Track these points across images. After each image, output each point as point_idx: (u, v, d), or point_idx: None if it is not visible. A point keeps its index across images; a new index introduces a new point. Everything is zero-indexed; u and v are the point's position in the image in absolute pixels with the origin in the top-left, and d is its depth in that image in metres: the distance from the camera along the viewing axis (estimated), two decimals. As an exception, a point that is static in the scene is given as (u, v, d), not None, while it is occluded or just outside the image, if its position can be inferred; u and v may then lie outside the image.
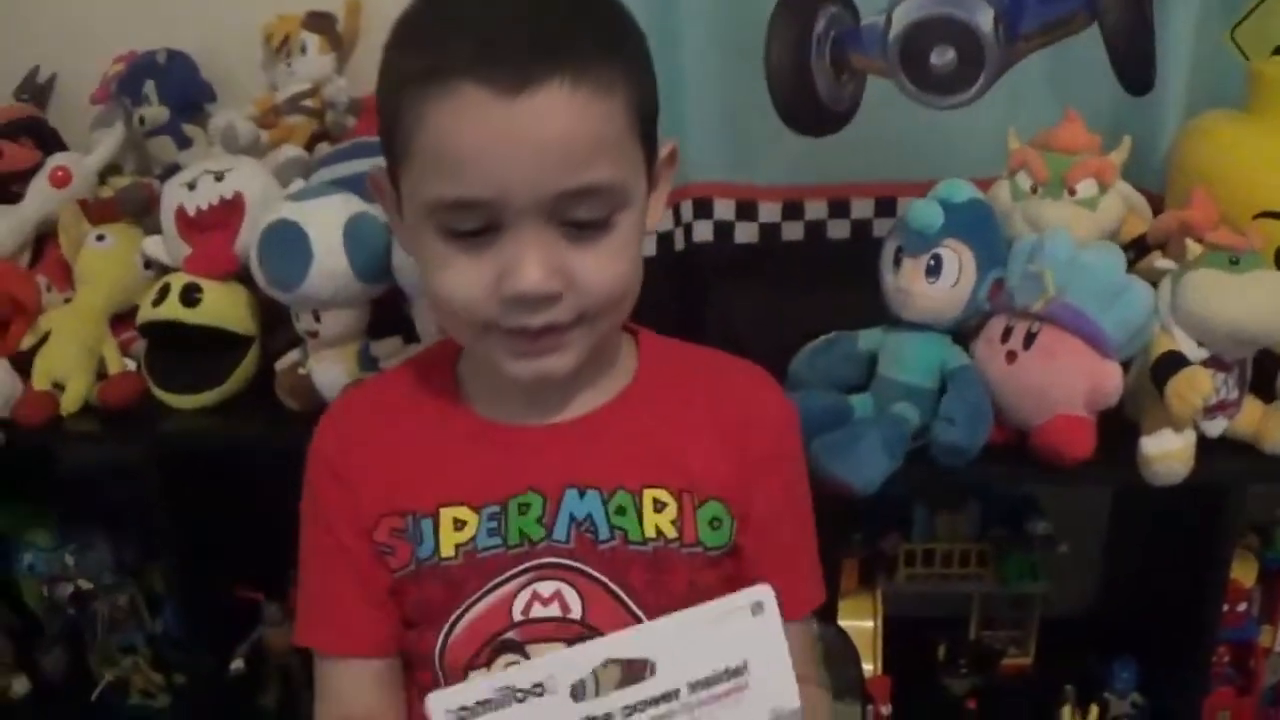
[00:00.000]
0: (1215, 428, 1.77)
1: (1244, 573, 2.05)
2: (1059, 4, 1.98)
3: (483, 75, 1.06)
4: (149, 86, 2.21)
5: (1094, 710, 2.07)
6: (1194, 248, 1.75)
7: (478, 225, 1.12)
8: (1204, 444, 1.73)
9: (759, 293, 2.04)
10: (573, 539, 1.24)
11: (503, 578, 1.24)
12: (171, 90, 2.22)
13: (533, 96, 1.06)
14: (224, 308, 1.91)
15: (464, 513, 1.25)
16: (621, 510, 1.25)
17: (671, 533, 1.26)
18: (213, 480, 2.03)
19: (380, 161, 1.23)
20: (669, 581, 1.25)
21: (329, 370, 1.83)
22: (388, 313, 1.86)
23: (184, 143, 2.22)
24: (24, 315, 2.01)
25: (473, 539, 1.24)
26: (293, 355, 1.91)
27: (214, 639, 2.12)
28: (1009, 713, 2.04)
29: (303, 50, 2.17)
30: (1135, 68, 2.00)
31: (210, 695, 2.13)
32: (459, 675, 1.25)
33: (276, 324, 1.94)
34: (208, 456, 2.01)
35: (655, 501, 1.26)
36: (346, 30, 2.20)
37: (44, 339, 1.98)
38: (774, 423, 1.36)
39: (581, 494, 1.25)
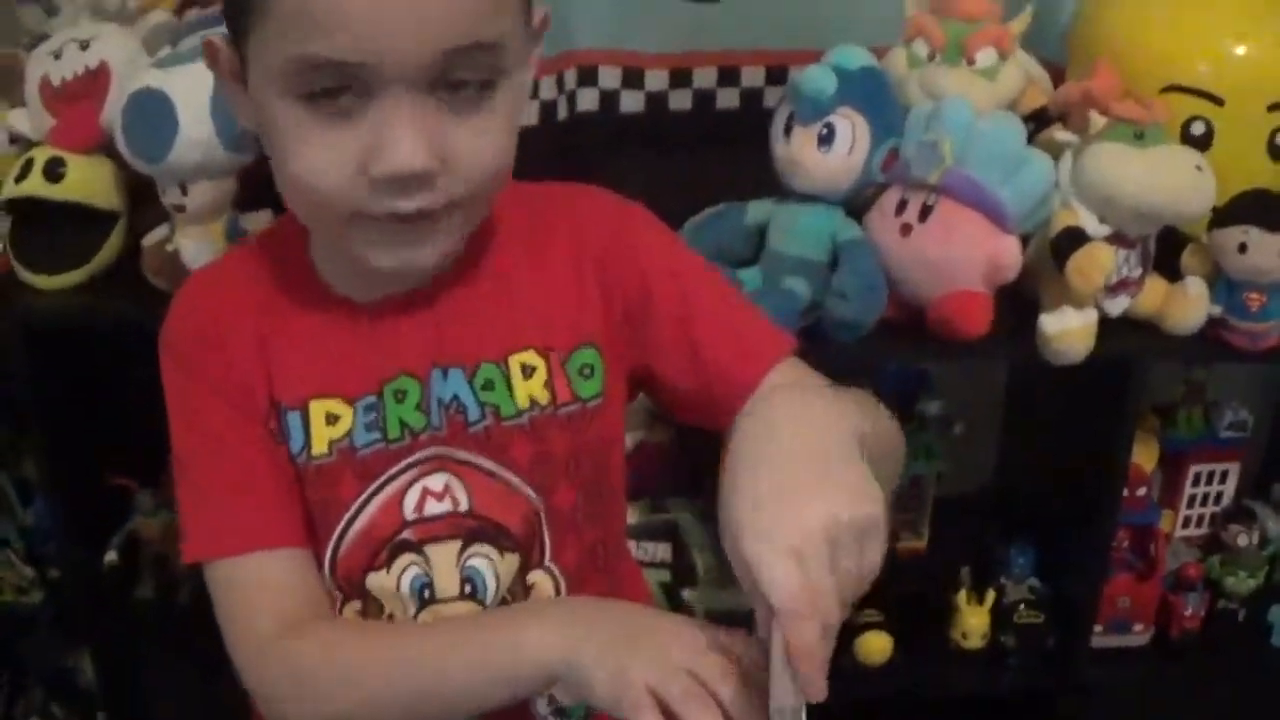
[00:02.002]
0: (1116, 306, 1.73)
1: (1145, 456, 2.03)
2: None
3: None
4: (14, -47, 2.10)
5: (990, 594, 2.03)
6: (1097, 120, 1.71)
7: (345, 93, 0.98)
8: (1105, 322, 1.70)
9: (645, 163, 1.96)
10: (445, 424, 1.17)
11: (385, 478, 1.16)
12: (38, -46, 2.11)
13: None
14: (89, 183, 1.82)
15: (336, 405, 1.16)
16: (489, 385, 1.17)
17: (544, 397, 1.18)
18: (81, 363, 1.94)
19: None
20: (551, 448, 1.19)
21: (197, 246, 1.75)
22: (256, 184, 1.77)
23: (52, 10, 2.10)
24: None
25: (348, 434, 1.15)
26: (159, 231, 1.81)
27: (87, 529, 2.03)
28: (902, 598, 2.00)
29: (171, -73, 2.06)
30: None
31: (85, 589, 2.05)
32: (355, 585, 1.18)
33: (144, 199, 1.84)
34: (75, 338, 1.92)
35: (524, 367, 1.18)
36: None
37: (-98, 215, 1.89)
38: (619, 227, 1.25)
39: (445, 374, 1.17)
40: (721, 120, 2.02)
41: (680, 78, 2.00)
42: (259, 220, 1.76)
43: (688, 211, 1.79)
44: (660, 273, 1.23)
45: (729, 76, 2.01)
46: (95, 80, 1.82)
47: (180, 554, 1.17)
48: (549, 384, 1.18)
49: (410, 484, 1.16)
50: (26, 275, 1.84)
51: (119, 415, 1.98)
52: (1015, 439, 2.27)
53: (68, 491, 1.97)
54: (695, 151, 1.99)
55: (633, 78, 1.99)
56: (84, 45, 1.84)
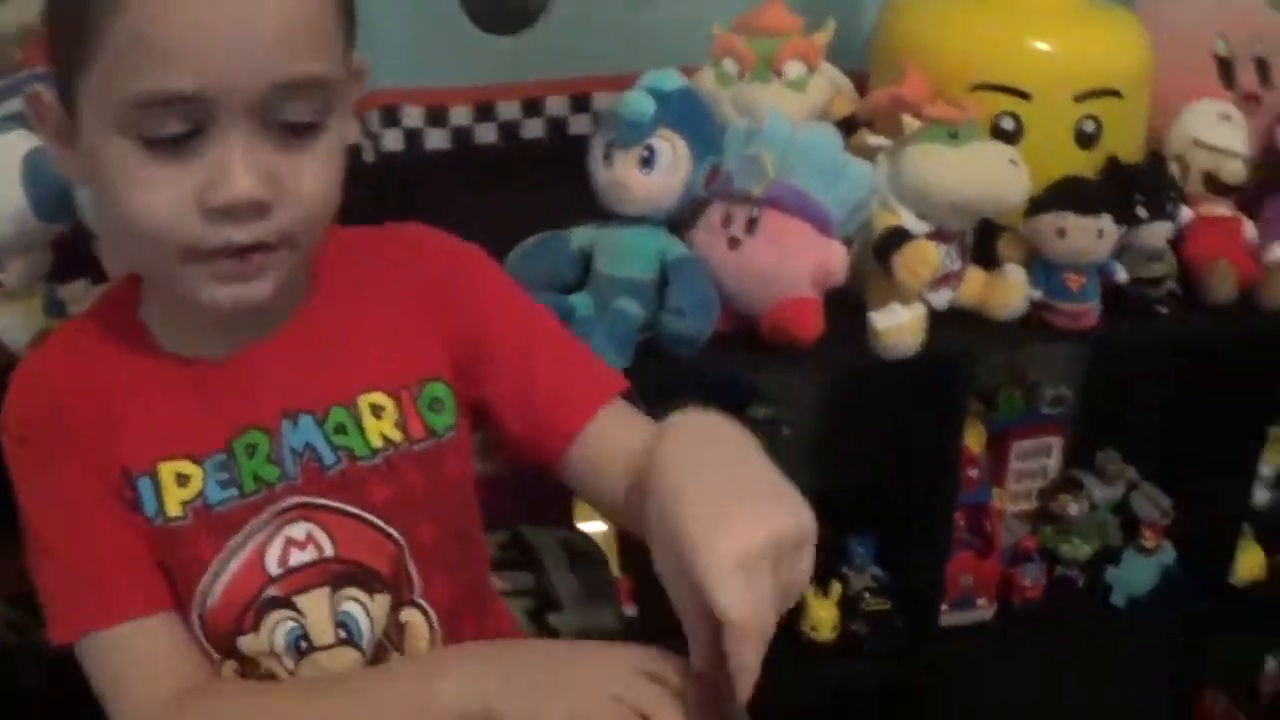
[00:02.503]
0: (941, 299, 1.78)
1: (972, 438, 2.09)
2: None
3: None
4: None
5: (836, 587, 2.07)
6: (910, 123, 1.75)
7: (181, 129, 0.98)
8: (930, 315, 1.75)
9: (455, 199, 1.95)
10: (300, 473, 1.15)
11: (245, 533, 1.14)
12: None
13: None
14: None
15: (185, 466, 1.13)
16: (341, 429, 1.16)
17: (397, 436, 1.18)
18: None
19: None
20: (408, 486, 1.18)
21: (16, 323, 1.70)
22: (71, 254, 1.74)
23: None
24: None
25: (201, 494, 1.13)
26: (-27, 312, 1.76)
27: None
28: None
29: None
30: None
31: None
32: (229, 647, 1.16)
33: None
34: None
35: (373, 407, 1.18)
36: (7, -45, 2.05)
37: None
38: (456, 266, 1.26)
39: (295, 422, 1.16)
40: (529, 150, 2.03)
41: (484, 111, 2.01)
42: (76, 291, 1.70)
43: (502, 243, 1.76)
44: (498, 313, 1.25)
45: (533, 107, 2.03)
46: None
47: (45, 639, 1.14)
48: (400, 422, 1.18)
49: (271, 537, 1.14)
50: None
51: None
52: (843, 436, 2.30)
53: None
54: (505, 183, 1.99)
55: (436, 115, 1.99)
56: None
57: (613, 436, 1.21)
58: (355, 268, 1.20)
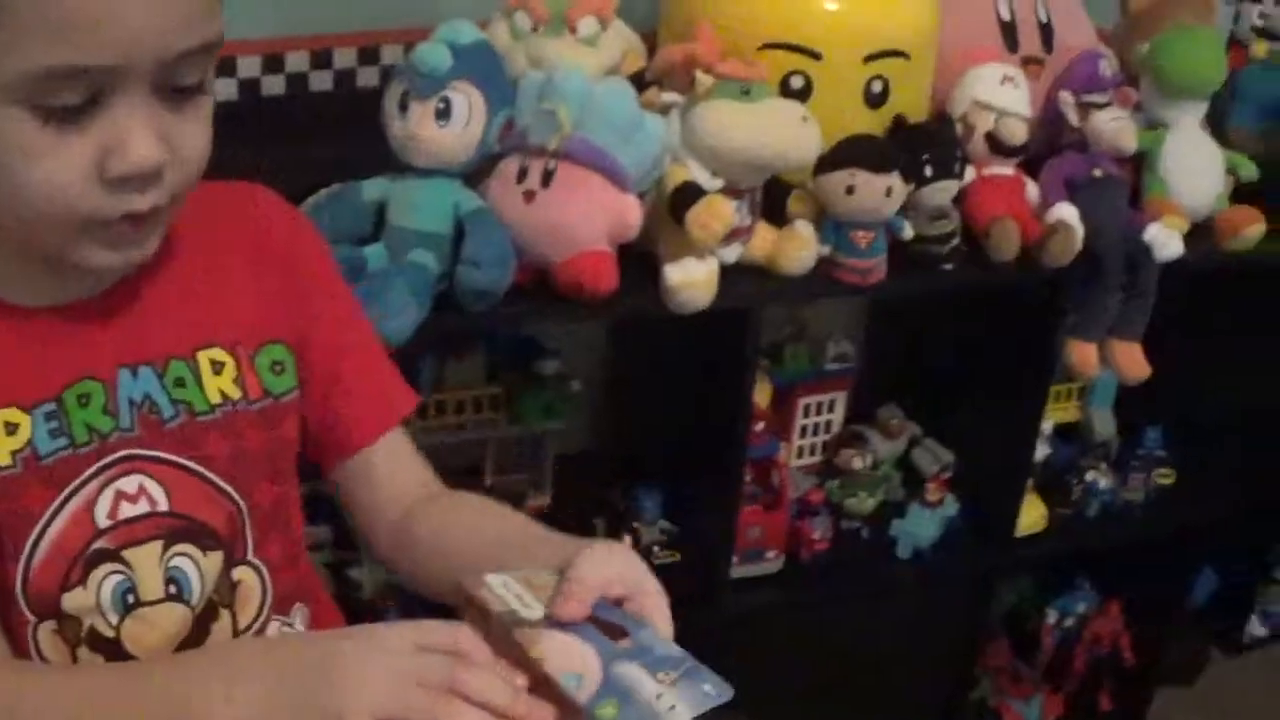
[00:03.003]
0: (731, 254, 1.80)
1: (759, 394, 2.12)
2: None
3: None
4: None
5: (626, 540, 2.08)
6: (703, 80, 1.75)
7: (80, 99, 0.96)
8: (720, 270, 1.76)
9: (241, 151, 1.92)
10: (137, 424, 1.14)
11: (75, 484, 1.12)
12: None
13: None
14: None
15: (13, 414, 1.09)
16: (180, 382, 1.16)
17: (235, 393, 1.18)
18: None
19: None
20: (247, 444, 1.19)
21: None
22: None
23: None
24: None
25: (29, 443, 1.10)
26: None
27: None
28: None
29: None
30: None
31: None
32: (52, 604, 1.12)
33: None
34: None
35: (213, 363, 1.18)
36: None
37: None
38: (295, 231, 1.30)
39: (134, 373, 1.14)
40: (316, 102, 2.02)
41: (273, 63, 1.99)
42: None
43: (292, 198, 1.74)
44: (326, 299, 1.29)
45: (321, 59, 2.01)
46: None
47: None
48: (239, 380, 1.19)
49: (101, 489, 1.12)
50: None
51: None
52: (633, 390, 2.32)
53: None
54: (291, 136, 1.96)
55: (224, 65, 1.93)
56: None
57: (387, 466, 1.31)
58: (194, 222, 1.17)
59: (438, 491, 1.33)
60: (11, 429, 1.09)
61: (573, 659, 1.01)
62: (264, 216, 1.27)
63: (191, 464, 1.16)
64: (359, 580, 1.94)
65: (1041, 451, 2.35)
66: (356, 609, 1.88)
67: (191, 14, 0.98)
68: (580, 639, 1.02)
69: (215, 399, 1.17)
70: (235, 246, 1.23)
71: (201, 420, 1.16)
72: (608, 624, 1.05)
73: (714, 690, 1.01)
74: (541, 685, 0.98)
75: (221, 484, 1.17)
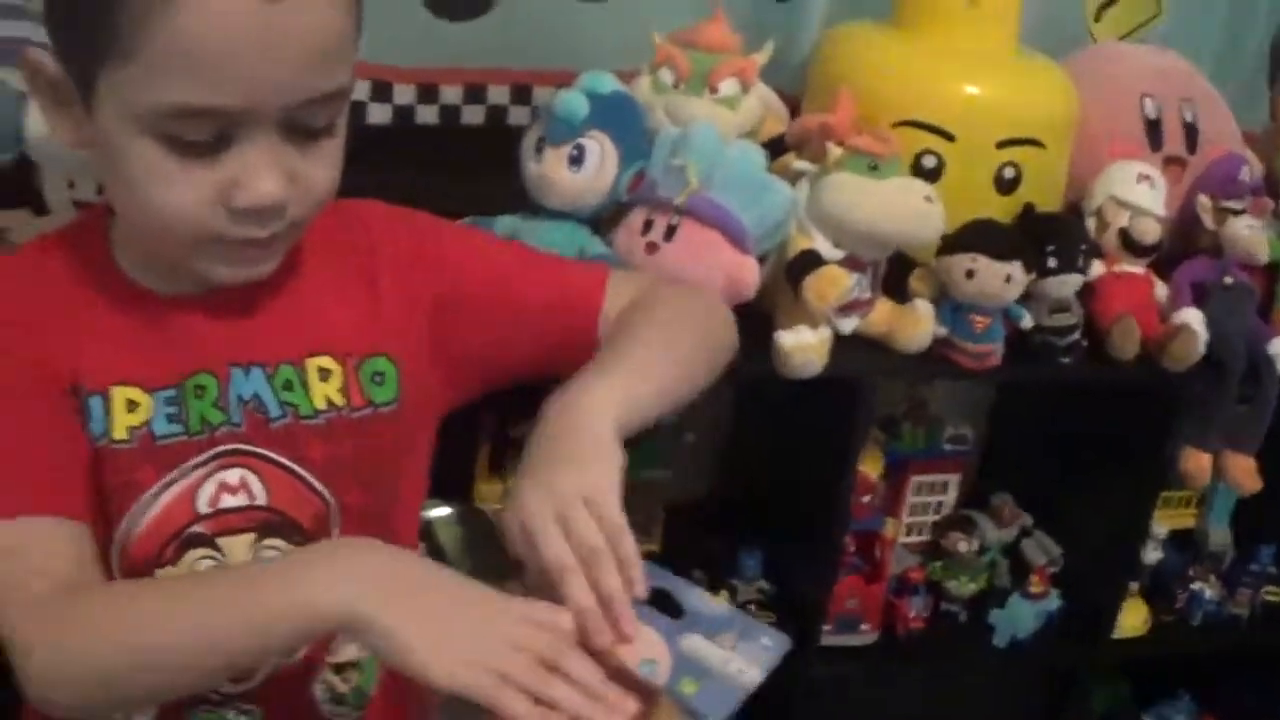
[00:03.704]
0: (848, 324, 1.82)
1: (871, 465, 2.13)
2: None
3: None
4: None
5: (723, 595, 2.10)
6: (834, 151, 1.78)
7: (209, 136, 1.03)
8: (836, 339, 1.79)
9: (391, 177, 1.97)
10: (244, 421, 1.20)
11: (184, 468, 1.18)
12: None
13: None
14: None
15: (136, 394, 1.17)
16: (288, 385, 1.22)
17: (340, 400, 1.24)
18: None
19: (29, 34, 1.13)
20: (344, 450, 1.24)
21: (-48, 245, 1.74)
22: (13, 184, 1.76)
23: None
24: None
25: (147, 423, 1.17)
26: (-88, 230, 1.78)
27: None
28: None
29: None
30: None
31: None
32: (142, 573, 1.18)
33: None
34: None
35: (320, 370, 1.23)
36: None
37: None
38: (408, 232, 1.34)
39: (246, 372, 1.21)
40: (467, 136, 2.06)
41: (428, 93, 2.03)
42: (17, 218, 1.75)
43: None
44: (461, 260, 1.34)
45: (475, 94, 2.05)
46: None
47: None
48: (344, 388, 1.24)
49: (206, 477, 1.19)
50: None
51: None
52: (744, 448, 2.34)
53: None
54: (441, 166, 1.98)
55: (381, 90, 2.01)
56: None
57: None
58: (316, 236, 1.24)
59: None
60: (133, 406, 1.16)
61: (643, 646, 1.06)
62: (378, 232, 1.32)
63: (290, 463, 1.21)
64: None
65: (1152, 556, 2.34)
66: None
67: (318, 65, 1.04)
68: (641, 622, 1.07)
69: (320, 405, 1.23)
70: (349, 260, 1.28)
71: (305, 423, 1.22)
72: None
73: (771, 643, 1.07)
74: (616, 676, 1.03)
75: (316, 484, 1.23)
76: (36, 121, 1.62)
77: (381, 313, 1.28)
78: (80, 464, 1.15)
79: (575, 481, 1.11)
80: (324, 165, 1.11)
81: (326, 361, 1.24)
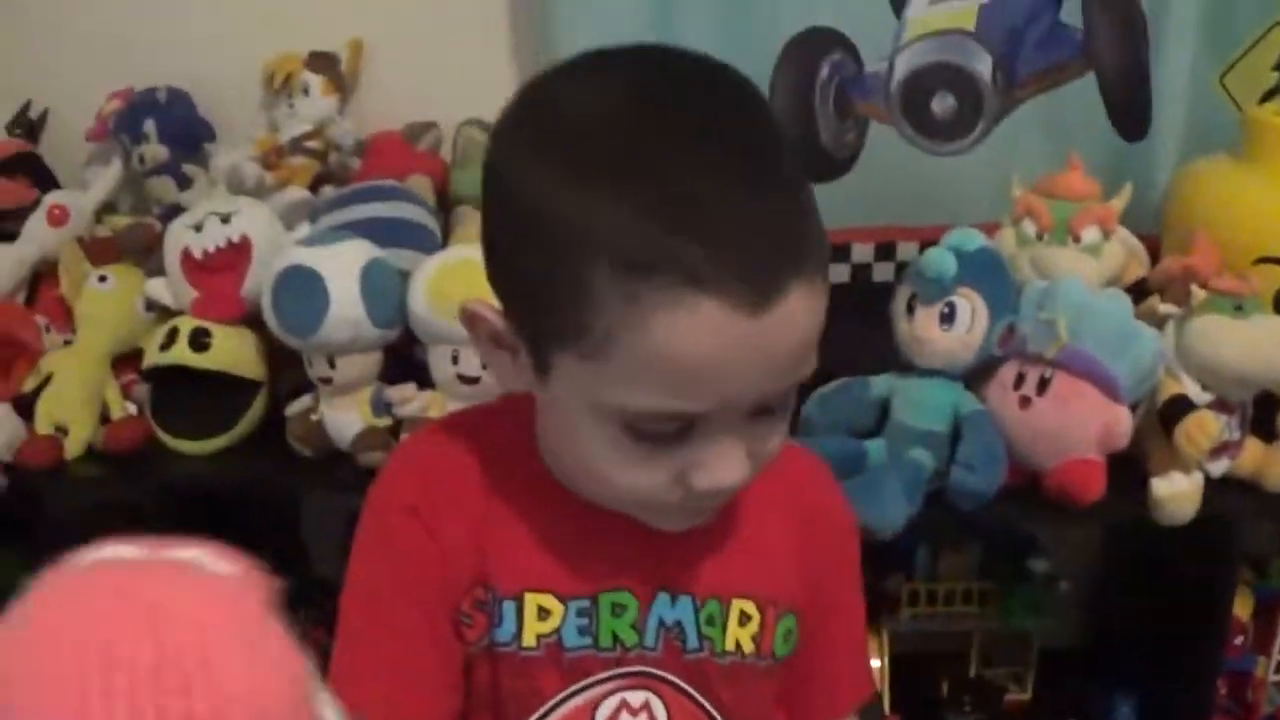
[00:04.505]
0: (1218, 467, 1.81)
1: (1240, 605, 2.09)
2: (1055, 51, 2.04)
3: (728, 292, 0.90)
4: (149, 124, 2.18)
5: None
6: (1197, 293, 1.79)
7: (675, 429, 0.97)
8: (1206, 482, 1.78)
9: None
10: (660, 646, 1.15)
11: (589, 681, 1.14)
12: (172, 128, 2.19)
13: (781, 306, 0.92)
14: (233, 352, 1.90)
15: (549, 601, 1.12)
16: (711, 620, 1.16)
17: (750, 648, 1.18)
18: (220, 527, 2.00)
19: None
20: (748, 694, 1.20)
21: (342, 416, 1.84)
22: (400, 358, 1.86)
23: (184, 182, 2.19)
24: (26, 357, 1.99)
25: (557, 631, 1.12)
26: (304, 401, 1.89)
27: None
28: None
29: (305, 91, 2.16)
30: (1130, 113, 2.06)
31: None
32: None
33: (282, 368, 1.93)
34: (215, 501, 1.98)
35: (742, 614, 1.18)
36: (349, 71, 2.20)
37: (46, 381, 1.96)
38: (839, 529, 1.29)
39: (674, 599, 1.15)
40: (832, 295, 2.07)
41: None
42: (404, 392, 1.83)
43: (804, 384, 1.82)
44: (844, 589, 1.30)
45: (840, 253, 2.10)
46: (238, 253, 1.91)
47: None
48: (757, 637, 1.19)
49: (610, 693, 1.14)
50: (168, 440, 1.91)
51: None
52: (1114, 593, 2.34)
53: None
54: None
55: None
56: (225, 219, 1.91)
57: None
58: (762, 485, 1.16)
59: None
60: (544, 614, 1.12)
61: None
62: (801, 480, 1.27)
63: (699, 697, 1.17)
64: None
65: None
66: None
67: (796, 364, 0.98)
68: None
69: (730, 647, 1.18)
70: (776, 504, 1.22)
71: (717, 662, 1.17)
72: None
73: None
74: None
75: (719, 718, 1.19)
76: (418, 300, 1.72)
77: (795, 563, 1.23)
78: (457, 677, 1.13)
79: None
80: (777, 435, 1.04)
81: (749, 606, 1.18)
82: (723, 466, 0.99)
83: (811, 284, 0.94)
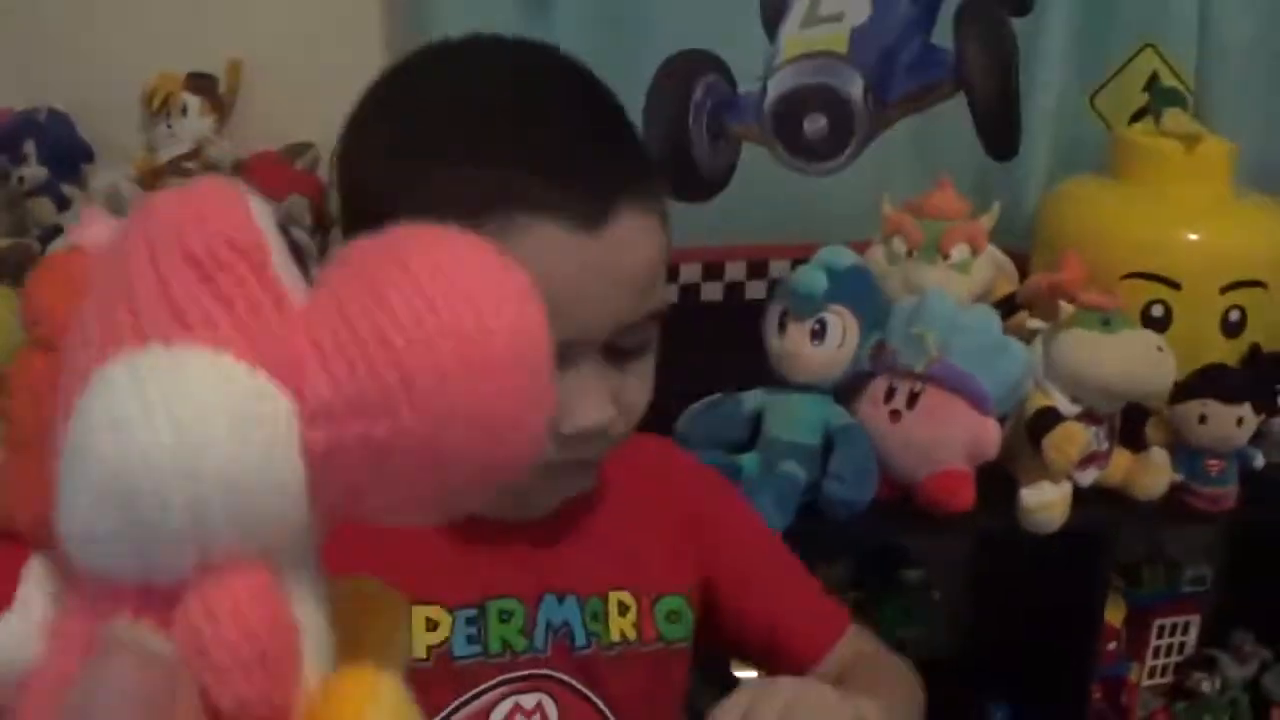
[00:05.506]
0: (1087, 477, 1.85)
1: (1113, 613, 2.15)
2: (926, 72, 2.07)
3: (561, 211, 0.97)
4: (29, 145, 2.16)
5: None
6: (1065, 308, 1.83)
7: None
8: (1076, 492, 1.83)
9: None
10: (549, 647, 1.18)
11: (481, 688, 1.15)
12: (51, 149, 2.16)
13: (616, 223, 0.99)
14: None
15: (436, 613, 1.15)
16: (595, 616, 1.20)
17: (633, 635, 1.22)
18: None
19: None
20: (639, 683, 1.23)
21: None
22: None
23: (63, 204, 2.16)
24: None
25: (447, 642, 1.14)
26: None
27: None
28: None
29: (184, 112, 2.15)
30: (1000, 133, 2.11)
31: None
32: None
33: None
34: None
35: (620, 604, 1.22)
36: (227, 91, 2.19)
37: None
38: (707, 490, 1.36)
39: (560, 599, 1.19)
40: (706, 312, 2.13)
41: (668, 273, 2.08)
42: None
43: (675, 401, 1.85)
44: (746, 542, 1.35)
45: (713, 270, 2.13)
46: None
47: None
48: (637, 624, 1.22)
49: (503, 698, 1.16)
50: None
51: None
52: (988, 603, 2.37)
53: None
54: (681, 342, 2.04)
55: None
56: (107, 243, 1.90)
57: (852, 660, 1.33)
58: (620, 470, 1.23)
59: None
60: (432, 625, 1.14)
61: None
62: (678, 475, 1.33)
63: (589, 692, 1.20)
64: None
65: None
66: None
67: (642, 291, 1.04)
68: None
69: (616, 637, 1.21)
70: (650, 498, 1.28)
71: (604, 654, 1.20)
72: None
73: None
74: None
75: (610, 715, 1.21)
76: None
77: (678, 554, 1.28)
78: None
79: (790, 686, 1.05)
80: (641, 383, 1.10)
81: (625, 596, 1.22)
82: (587, 406, 1.04)
83: (645, 207, 1.02)
